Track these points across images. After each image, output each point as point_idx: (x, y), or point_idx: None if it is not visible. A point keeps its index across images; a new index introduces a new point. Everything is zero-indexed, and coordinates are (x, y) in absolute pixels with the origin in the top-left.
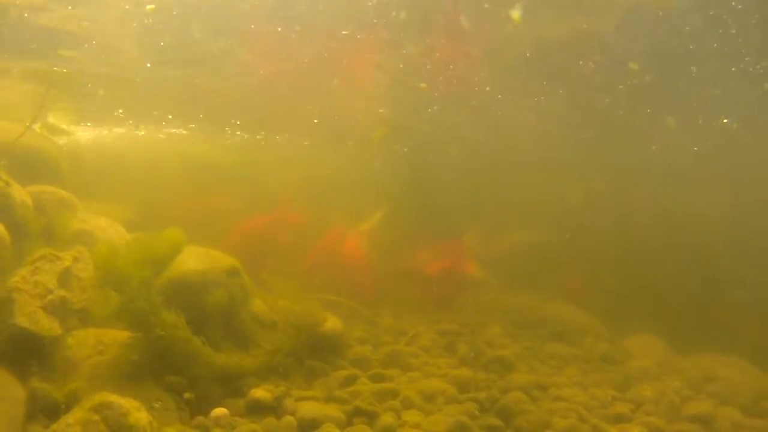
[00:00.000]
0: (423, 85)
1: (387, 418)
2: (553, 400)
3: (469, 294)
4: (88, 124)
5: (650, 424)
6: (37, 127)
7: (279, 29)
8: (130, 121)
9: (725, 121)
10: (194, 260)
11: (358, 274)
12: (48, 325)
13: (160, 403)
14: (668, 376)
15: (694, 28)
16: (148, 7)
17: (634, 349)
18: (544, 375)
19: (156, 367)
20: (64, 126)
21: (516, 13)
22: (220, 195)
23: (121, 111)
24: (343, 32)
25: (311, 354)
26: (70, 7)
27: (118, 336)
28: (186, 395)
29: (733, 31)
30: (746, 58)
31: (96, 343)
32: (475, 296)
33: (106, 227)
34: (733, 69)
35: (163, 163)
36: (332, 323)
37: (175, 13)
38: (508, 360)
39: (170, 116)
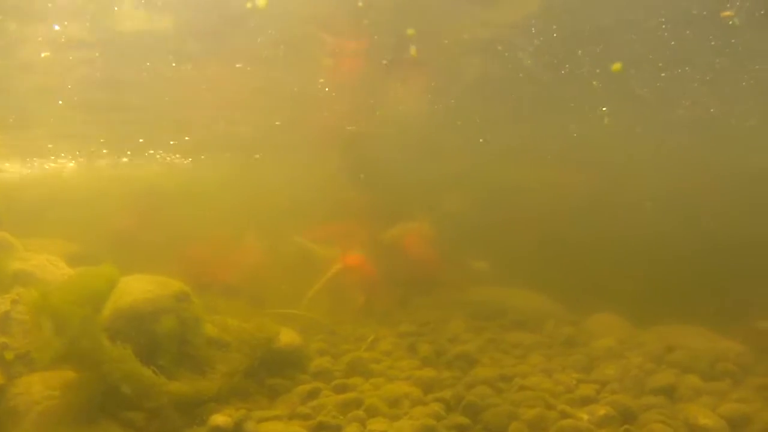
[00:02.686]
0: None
1: (352, 430)
2: (518, 390)
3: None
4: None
5: (616, 403)
6: None
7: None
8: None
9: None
10: (141, 289)
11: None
12: None
13: None
14: (631, 352)
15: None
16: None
17: (596, 329)
18: (508, 366)
19: (110, 404)
20: None
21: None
22: (166, 219)
23: (50, 145)
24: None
25: (271, 371)
26: None
27: (65, 378)
28: None
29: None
30: None
31: (43, 388)
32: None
33: (46, 265)
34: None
35: (105, 192)
36: (289, 337)
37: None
38: (471, 354)
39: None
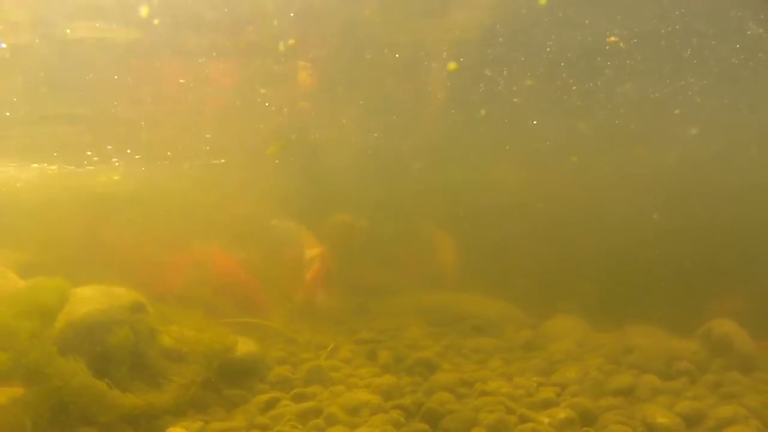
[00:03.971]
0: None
1: None
2: (478, 395)
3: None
4: None
5: (577, 405)
6: None
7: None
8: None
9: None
10: (95, 300)
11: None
12: None
13: None
14: (590, 354)
15: None
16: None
17: (555, 332)
18: (469, 371)
19: (62, 420)
20: None
21: None
22: (123, 227)
23: None
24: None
25: (229, 382)
26: None
27: (12, 394)
28: None
29: None
30: None
31: None
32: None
33: None
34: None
35: (58, 199)
36: (246, 347)
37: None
38: (431, 361)
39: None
